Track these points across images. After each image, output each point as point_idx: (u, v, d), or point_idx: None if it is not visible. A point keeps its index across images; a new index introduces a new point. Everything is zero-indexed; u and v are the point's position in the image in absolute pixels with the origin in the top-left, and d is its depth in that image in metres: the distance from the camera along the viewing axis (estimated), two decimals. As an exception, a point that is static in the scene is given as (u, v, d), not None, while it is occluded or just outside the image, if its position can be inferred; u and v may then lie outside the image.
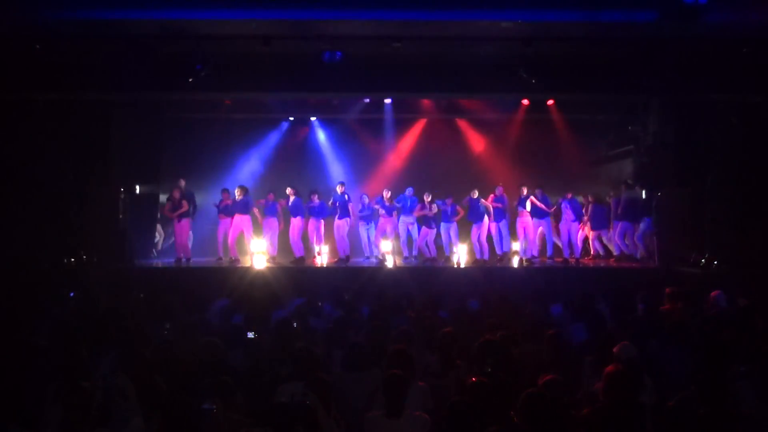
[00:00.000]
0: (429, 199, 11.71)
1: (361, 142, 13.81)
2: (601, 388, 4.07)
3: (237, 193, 11.43)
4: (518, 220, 11.78)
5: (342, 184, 11.93)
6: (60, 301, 7.81)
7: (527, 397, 3.48)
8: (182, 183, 11.77)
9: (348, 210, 11.72)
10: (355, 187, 13.08)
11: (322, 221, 11.74)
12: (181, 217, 11.48)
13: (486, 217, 11.78)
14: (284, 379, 4.73)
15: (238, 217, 11.43)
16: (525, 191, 11.65)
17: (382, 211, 11.71)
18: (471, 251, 11.69)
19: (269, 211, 11.76)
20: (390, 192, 11.83)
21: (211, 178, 12.91)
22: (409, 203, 11.84)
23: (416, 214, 11.74)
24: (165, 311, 6.94)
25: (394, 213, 11.76)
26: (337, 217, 11.73)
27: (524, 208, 11.65)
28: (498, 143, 13.71)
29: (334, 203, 11.70)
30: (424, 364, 5.09)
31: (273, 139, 13.89)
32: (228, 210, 11.58)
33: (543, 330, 5.65)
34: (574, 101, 12.60)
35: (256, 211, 11.66)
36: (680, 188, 11.27)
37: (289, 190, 11.70)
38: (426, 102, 13.38)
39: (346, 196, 11.79)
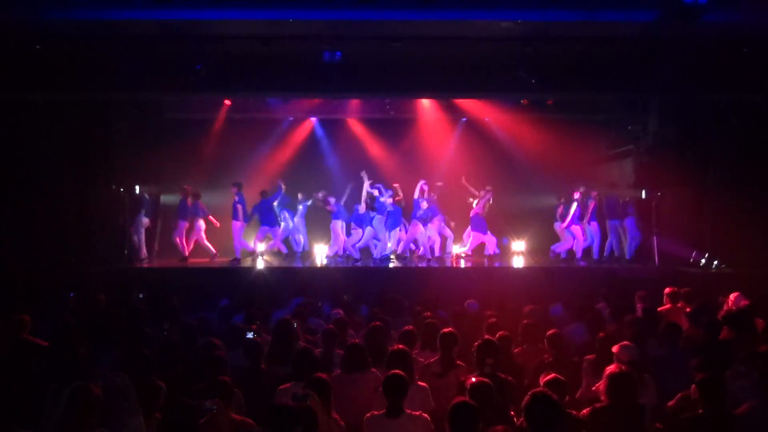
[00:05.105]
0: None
1: (360, 141, 13.78)
2: (601, 388, 4.08)
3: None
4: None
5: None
6: (60, 301, 7.82)
7: (529, 397, 3.48)
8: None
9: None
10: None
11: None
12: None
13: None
14: (284, 379, 4.74)
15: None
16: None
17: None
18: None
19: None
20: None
21: (210, 179, 12.88)
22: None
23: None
24: (165, 311, 6.95)
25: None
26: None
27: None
28: (497, 143, 13.69)
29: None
30: (424, 364, 5.09)
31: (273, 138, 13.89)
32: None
33: (543, 330, 5.67)
34: (574, 101, 12.59)
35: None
36: (680, 188, 11.26)
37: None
38: (425, 102, 13.35)
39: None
